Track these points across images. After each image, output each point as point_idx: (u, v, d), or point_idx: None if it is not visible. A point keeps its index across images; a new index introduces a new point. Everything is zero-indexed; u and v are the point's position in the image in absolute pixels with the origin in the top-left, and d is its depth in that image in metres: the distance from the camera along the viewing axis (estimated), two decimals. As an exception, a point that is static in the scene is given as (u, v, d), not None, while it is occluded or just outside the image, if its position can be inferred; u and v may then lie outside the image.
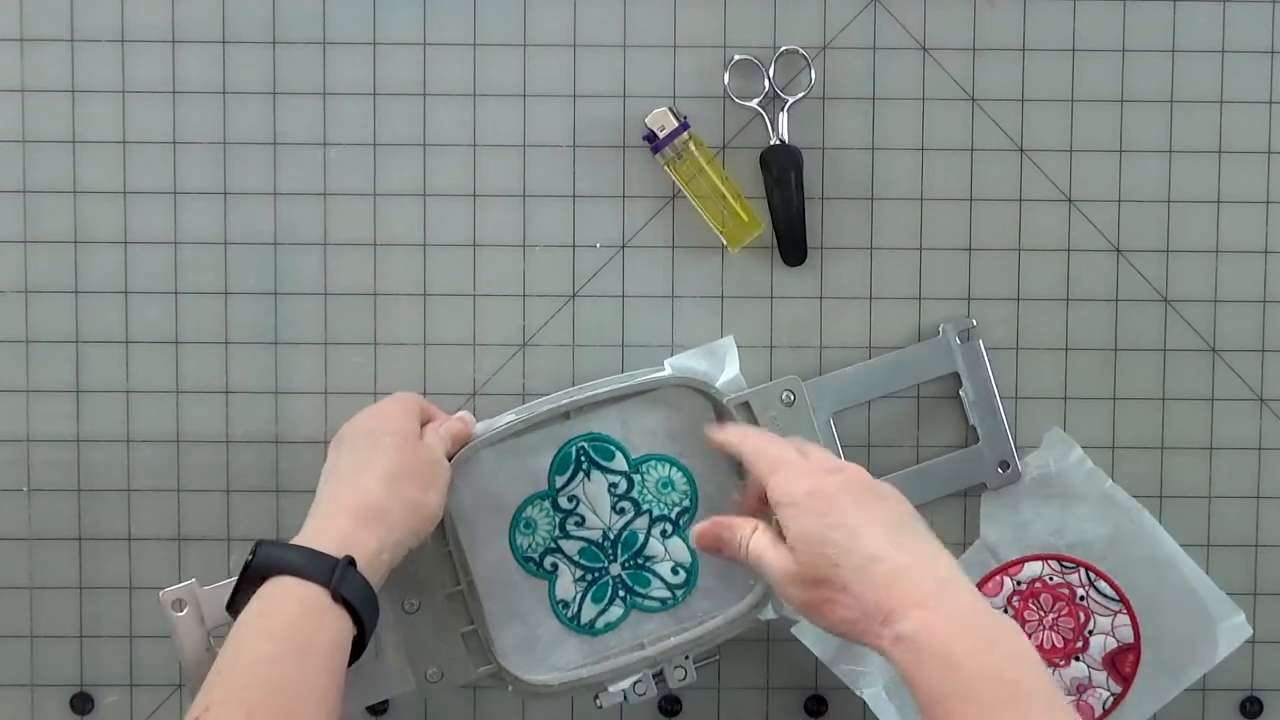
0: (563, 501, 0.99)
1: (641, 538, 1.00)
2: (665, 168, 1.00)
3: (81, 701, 1.04)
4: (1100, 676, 1.02)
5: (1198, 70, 1.02)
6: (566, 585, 0.99)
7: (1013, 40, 1.02)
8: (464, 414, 0.98)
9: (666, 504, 0.99)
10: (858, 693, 1.00)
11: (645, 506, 0.99)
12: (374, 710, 1.03)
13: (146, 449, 1.03)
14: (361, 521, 0.86)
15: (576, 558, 0.99)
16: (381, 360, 1.02)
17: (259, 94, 1.02)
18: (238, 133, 1.02)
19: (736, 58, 1.01)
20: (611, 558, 1.00)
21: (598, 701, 0.98)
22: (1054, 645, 1.02)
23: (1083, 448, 1.02)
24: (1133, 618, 1.02)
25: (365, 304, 1.02)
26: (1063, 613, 1.02)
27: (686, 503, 0.99)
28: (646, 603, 1.00)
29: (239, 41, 1.01)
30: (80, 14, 1.01)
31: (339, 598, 0.82)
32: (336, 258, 1.02)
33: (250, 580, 0.83)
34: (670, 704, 1.04)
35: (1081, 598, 1.02)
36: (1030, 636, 1.00)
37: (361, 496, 0.88)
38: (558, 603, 0.99)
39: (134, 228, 1.02)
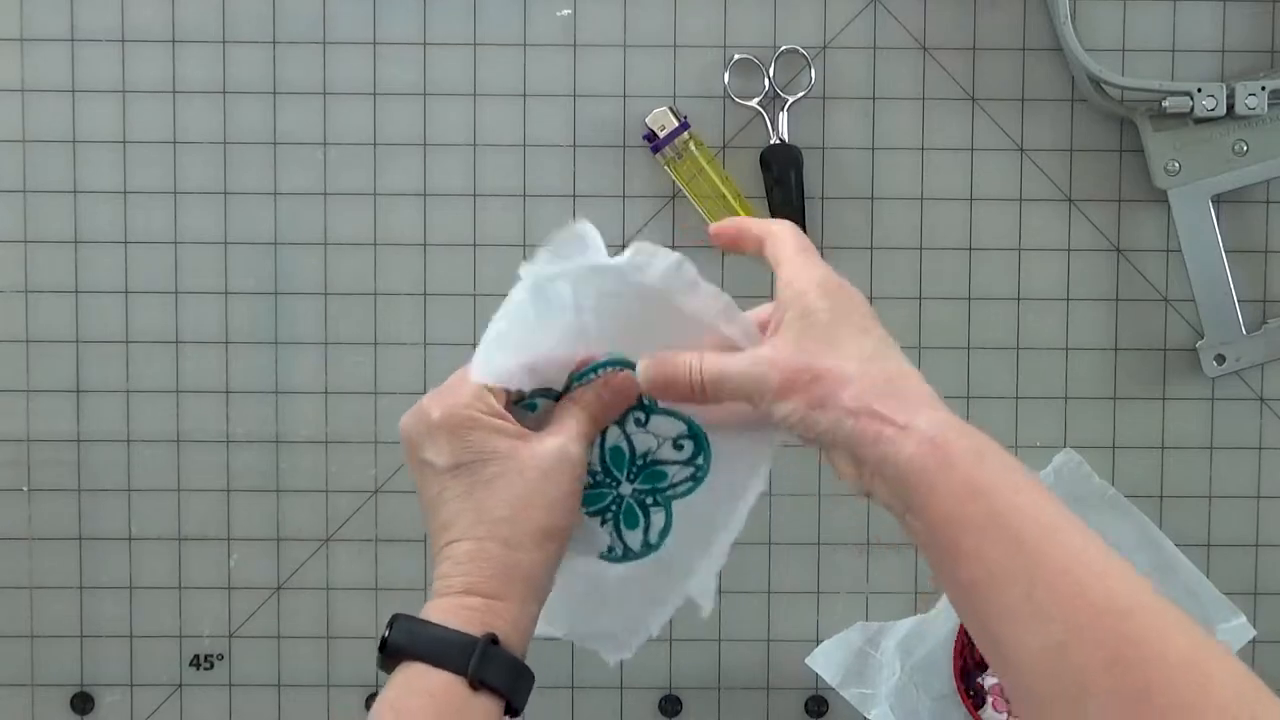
0: None
1: (624, 444, 0.85)
2: (665, 168, 1.00)
3: (81, 701, 1.04)
4: None
5: (1197, 69, 1.02)
6: (596, 536, 0.84)
7: (1013, 40, 1.02)
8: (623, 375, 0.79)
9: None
10: (865, 714, 1.00)
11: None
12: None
13: (146, 449, 1.03)
14: (492, 578, 0.75)
15: (586, 509, 0.84)
16: (381, 360, 1.02)
17: (259, 94, 1.02)
18: (238, 133, 1.02)
19: (736, 57, 1.01)
20: (614, 483, 0.85)
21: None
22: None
23: (1083, 448, 1.02)
24: None
25: (365, 304, 1.02)
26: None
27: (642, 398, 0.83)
28: (678, 489, 0.84)
29: (239, 41, 1.01)
30: (80, 14, 1.01)
31: (480, 685, 0.72)
32: (336, 258, 1.02)
33: (390, 659, 0.73)
34: (670, 704, 1.04)
35: None
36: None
37: (482, 547, 0.75)
38: (606, 553, 0.84)
39: (134, 228, 1.02)
